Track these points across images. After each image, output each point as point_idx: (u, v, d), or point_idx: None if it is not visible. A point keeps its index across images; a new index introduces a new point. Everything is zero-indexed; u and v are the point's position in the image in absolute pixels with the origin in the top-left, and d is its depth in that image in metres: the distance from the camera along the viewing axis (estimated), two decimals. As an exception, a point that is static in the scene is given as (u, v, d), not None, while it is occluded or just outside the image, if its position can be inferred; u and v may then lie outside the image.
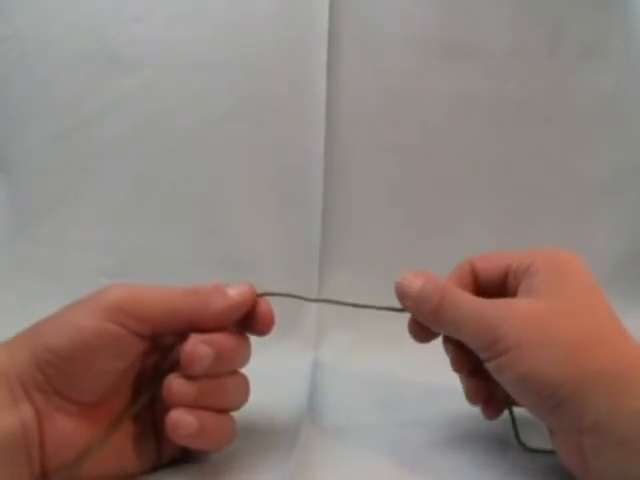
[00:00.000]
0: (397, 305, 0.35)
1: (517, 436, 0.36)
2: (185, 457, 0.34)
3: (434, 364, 0.37)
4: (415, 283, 0.33)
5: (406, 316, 0.35)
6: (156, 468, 0.33)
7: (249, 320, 0.34)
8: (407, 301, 0.34)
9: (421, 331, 0.35)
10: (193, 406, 0.31)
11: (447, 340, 0.35)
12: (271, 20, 0.54)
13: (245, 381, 0.34)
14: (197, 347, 0.31)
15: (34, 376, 0.29)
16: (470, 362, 0.34)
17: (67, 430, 0.29)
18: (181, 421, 0.30)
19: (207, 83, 0.54)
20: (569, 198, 0.57)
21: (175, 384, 0.31)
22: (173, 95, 0.54)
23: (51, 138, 0.54)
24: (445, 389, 0.39)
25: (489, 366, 0.32)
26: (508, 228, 0.56)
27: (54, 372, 0.29)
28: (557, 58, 0.56)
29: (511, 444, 0.36)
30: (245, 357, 0.34)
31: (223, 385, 0.32)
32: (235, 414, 0.33)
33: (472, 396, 0.36)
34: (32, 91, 0.54)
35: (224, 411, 0.32)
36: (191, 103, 0.54)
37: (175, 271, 0.53)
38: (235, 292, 0.33)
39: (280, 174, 0.54)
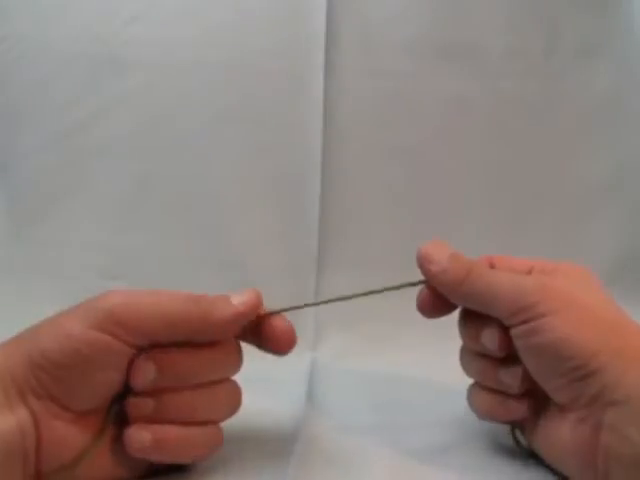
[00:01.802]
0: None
1: (514, 434, 0.36)
2: (172, 466, 0.33)
3: (432, 364, 0.37)
4: (444, 250, 0.33)
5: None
6: (150, 472, 0.32)
7: (264, 337, 0.33)
8: (433, 266, 0.33)
9: (435, 304, 0.34)
10: (153, 420, 0.30)
11: (465, 314, 0.35)
12: (269, 21, 0.54)
13: (232, 391, 0.33)
14: (138, 363, 0.30)
15: (29, 380, 0.28)
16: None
17: (63, 434, 0.29)
18: (134, 436, 0.30)
19: (205, 84, 0.54)
20: (568, 198, 0.57)
21: (130, 399, 0.30)
22: (171, 95, 0.54)
23: (50, 138, 0.54)
24: (443, 389, 0.39)
25: (519, 330, 0.31)
26: (507, 228, 0.56)
27: (47, 378, 0.29)
28: (554, 58, 0.56)
29: (511, 445, 0.36)
30: (217, 369, 0.32)
31: (189, 398, 0.31)
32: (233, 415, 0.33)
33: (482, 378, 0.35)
34: (31, 91, 0.54)
35: (197, 424, 0.31)
36: (189, 103, 0.54)
37: (174, 272, 0.53)
38: (239, 300, 0.31)
39: (278, 175, 0.54)
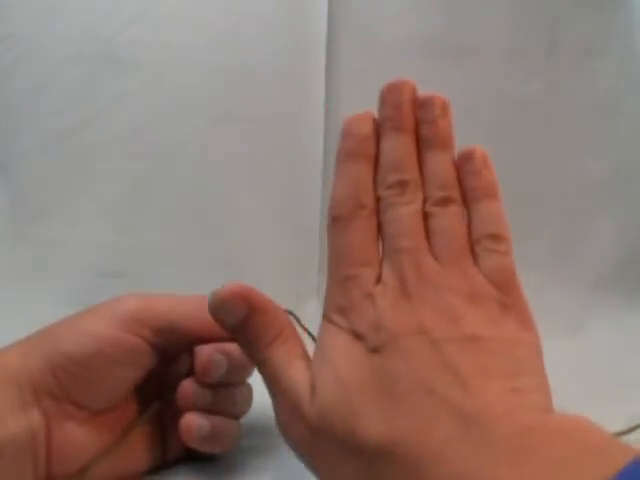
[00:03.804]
0: None
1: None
2: (186, 458, 0.34)
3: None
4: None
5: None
6: (158, 468, 0.33)
7: None
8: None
9: None
10: (206, 411, 0.31)
11: None
12: (270, 22, 0.54)
13: (251, 390, 0.34)
14: (214, 356, 0.31)
15: (47, 381, 0.29)
16: None
17: (75, 437, 0.29)
18: (196, 424, 0.31)
19: (206, 84, 0.54)
20: (569, 198, 0.57)
21: (191, 389, 0.31)
22: (171, 96, 0.54)
23: (50, 138, 0.54)
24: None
25: None
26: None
27: (68, 378, 0.29)
28: (556, 58, 0.56)
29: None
30: (252, 368, 0.34)
31: (234, 393, 0.33)
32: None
33: None
34: (30, 91, 0.54)
35: (233, 417, 0.33)
36: (189, 104, 0.54)
37: (174, 271, 0.53)
38: None
39: (279, 175, 0.54)
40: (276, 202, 0.54)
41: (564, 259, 0.57)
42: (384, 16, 0.54)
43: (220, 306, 0.28)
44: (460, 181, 0.30)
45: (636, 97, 0.58)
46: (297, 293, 0.53)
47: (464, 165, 0.30)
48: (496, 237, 0.28)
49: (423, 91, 0.53)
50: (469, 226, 0.29)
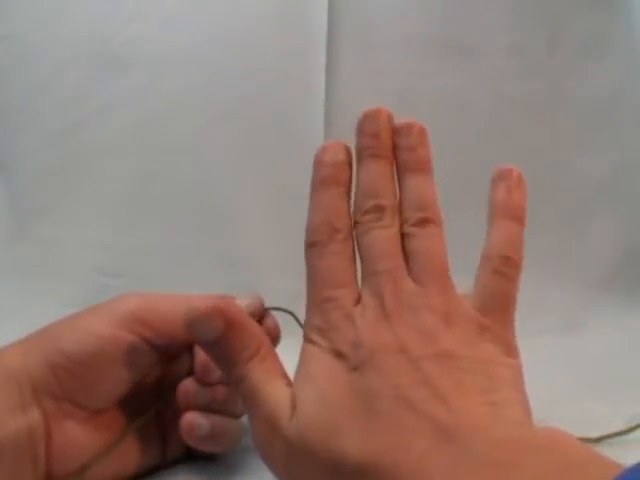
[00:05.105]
0: None
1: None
2: (186, 458, 0.34)
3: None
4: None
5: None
6: (158, 468, 0.33)
7: None
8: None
9: None
10: (206, 410, 0.31)
11: None
12: (270, 22, 0.54)
13: None
14: None
15: (47, 380, 0.29)
16: None
17: (74, 436, 0.29)
18: (195, 423, 0.31)
19: (206, 84, 0.54)
20: (568, 198, 0.57)
21: (191, 389, 0.31)
22: (171, 95, 0.54)
23: (50, 138, 0.54)
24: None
25: None
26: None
27: (68, 377, 0.29)
28: (556, 57, 0.56)
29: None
30: None
31: (234, 392, 0.32)
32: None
33: None
34: (30, 91, 0.54)
35: (233, 416, 0.33)
36: (189, 103, 0.54)
37: (174, 271, 0.53)
38: (244, 303, 0.32)
39: (279, 174, 0.54)
40: (276, 202, 0.54)
41: (564, 258, 0.57)
42: (384, 16, 0.54)
43: (196, 321, 0.27)
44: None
45: (636, 97, 0.58)
46: (297, 293, 0.52)
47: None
48: (508, 259, 0.29)
49: (422, 90, 0.54)
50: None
